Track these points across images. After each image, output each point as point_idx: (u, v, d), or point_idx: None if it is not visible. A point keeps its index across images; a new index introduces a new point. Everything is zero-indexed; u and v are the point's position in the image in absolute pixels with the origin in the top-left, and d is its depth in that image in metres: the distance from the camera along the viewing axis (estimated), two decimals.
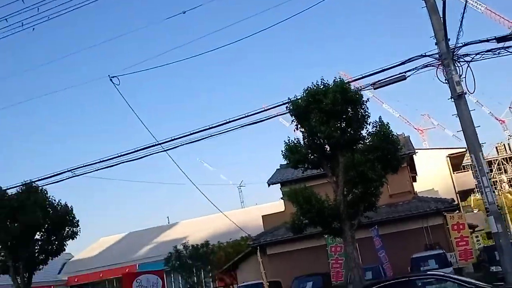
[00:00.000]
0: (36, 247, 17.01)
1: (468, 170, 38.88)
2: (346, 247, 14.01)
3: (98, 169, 17.13)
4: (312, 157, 14.18)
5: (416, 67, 14.18)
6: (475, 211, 42.92)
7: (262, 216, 27.89)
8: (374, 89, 14.84)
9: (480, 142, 11.75)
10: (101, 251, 45.46)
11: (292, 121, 14.45)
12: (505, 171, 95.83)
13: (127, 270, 40.71)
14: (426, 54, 13.89)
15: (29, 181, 17.28)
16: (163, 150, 17.12)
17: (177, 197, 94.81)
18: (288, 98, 14.05)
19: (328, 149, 14.45)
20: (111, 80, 16.02)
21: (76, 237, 17.46)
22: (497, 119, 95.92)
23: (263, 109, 15.36)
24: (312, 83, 14.10)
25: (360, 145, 14.51)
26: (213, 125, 15.20)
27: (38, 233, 17.06)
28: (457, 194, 35.20)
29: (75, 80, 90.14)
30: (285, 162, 28.42)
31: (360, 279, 13.63)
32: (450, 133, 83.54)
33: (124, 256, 42.81)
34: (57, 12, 14.91)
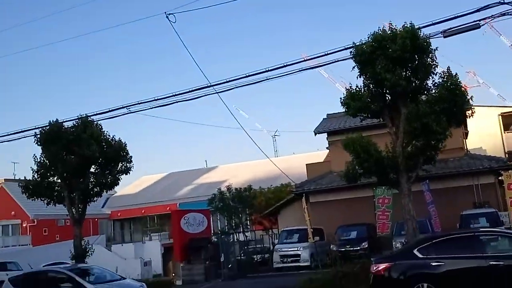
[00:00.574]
0: (91, 180, 17.47)
1: None
2: (402, 199, 13.77)
3: (152, 107, 17.27)
4: (373, 106, 13.69)
5: (492, 15, 13.33)
6: None
7: (306, 164, 27.85)
8: (444, 37, 14.08)
9: None
10: (143, 189, 46.83)
11: (353, 67, 13.94)
12: None
13: (168, 208, 42.07)
14: (505, 1, 12.99)
15: (85, 115, 17.56)
16: (215, 92, 17.05)
17: (216, 142, 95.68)
18: (353, 42, 13.49)
19: (389, 99, 13.98)
20: (167, 17, 15.76)
21: (129, 173, 17.85)
22: None
23: (302, 59, 15.01)
24: (379, 27, 13.47)
25: (423, 95, 13.96)
26: (251, 73, 14.98)
27: (93, 166, 17.46)
28: (506, 154, 34.10)
29: (131, 16, 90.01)
30: (332, 112, 28.21)
31: (414, 232, 13.45)
32: (494, 92, 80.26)
33: (165, 194, 44.04)
34: None
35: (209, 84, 16.53)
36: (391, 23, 13.29)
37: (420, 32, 13.05)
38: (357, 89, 14.00)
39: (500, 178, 21.17)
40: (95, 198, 17.80)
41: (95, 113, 17.59)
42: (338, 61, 14.81)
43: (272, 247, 30.81)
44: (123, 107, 17.07)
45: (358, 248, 19.03)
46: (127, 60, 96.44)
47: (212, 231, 27.07)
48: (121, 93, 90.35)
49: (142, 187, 47.17)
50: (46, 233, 39.12)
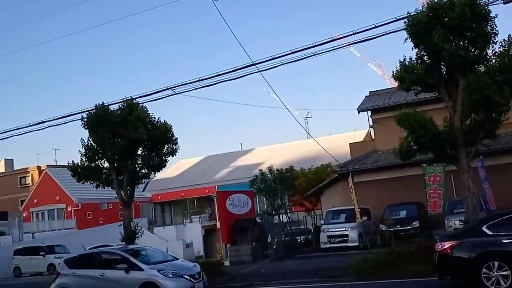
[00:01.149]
0: (138, 162, 17.50)
1: None
2: (461, 175, 13.20)
3: (197, 88, 17.07)
4: (429, 78, 13.07)
5: None
6: None
7: (350, 144, 27.32)
8: (504, 3, 13.35)
9: None
10: (181, 172, 47.20)
11: (406, 39, 13.33)
12: None
13: (207, 191, 42.37)
14: None
15: (130, 98, 17.52)
16: (258, 71, 16.72)
17: (250, 125, 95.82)
18: (408, 12, 12.86)
19: (445, 71, 13.34)
20: None
21: (175, 154, 17.78)
22: None
23: (333, 38, 14.49)
24: None
25: (482, 66, 13.24)
26: (277, 55, 14.54)
27: (140, 148, 17.47)
28: None
29: None
30: (374, 89, 27.45)
31: (474, 209, 12.89)
32: None
33: (203, 177, 44.27)
34: None
35: (252, 63, 16.23)
36: None
37: None
38: (411, 62, 13.40)
39: None
40: (143, 180, 17.87)
41: (140, 95, 17.52)
42: (370, 38, 14.29)
43: (313, 229, 30.67)
44: (167, 89, 16.95)
45: (409, 227, 18.54)
46: (165, 42, 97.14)
47: (257, 212, 26.98)
48: (164, 75, 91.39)
49: (180, 170, 47.54)
50: (90, 216, 40.05)
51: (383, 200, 21.81)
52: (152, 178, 45.33)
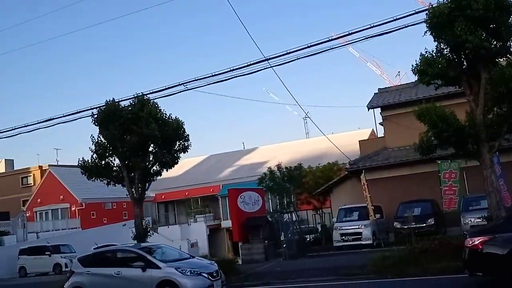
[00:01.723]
0: (150, 159, 17.19)
1: None
2: (483, 170, 12.92)
3: (210, 84, 16.80)
4: (451, 72, 12.81)
5: None
6: None
7: (359, 141, 27.17)
8: None
9: None
10: (185, 171, 46.89)
11: (426, 32, 13.08)
12: None
13: (211, 190, 42.14)
14: None
15: (141, 94, 17.22)
16: (270, 66, 16.45)
17: (252, 124, 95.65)
18: (430, 3, 12.62)
19: (466, 64, 13.10)
20: None
21: (187, 151, 17.48)
22: None
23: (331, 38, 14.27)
24: None
25: (503, 58, 13.01)
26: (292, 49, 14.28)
27: (151, 145, 17.16)
28: None
29: None
30: (383, 86, 27.18)
31: (497, 205, 12.63)
32: None
33: (207, 176, 44.04)
34: None
35: (264, 58, 15.96)
36: None
37: None
38: (432, 55, 13.13)
39: None
40: (154, 177, 17.57)
41: (151, 91, 17.24)
42: (370, 37, 14.07)
43: (321, 227, 30.40)
44: (179, 84, 16.71)
45: (424, 224, 18.26)
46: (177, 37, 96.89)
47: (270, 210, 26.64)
48: (173, 71, 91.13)
49: (184, 169, 47.23)
50: (94, 216, 39.72)
51: (394, 198, 21.56)
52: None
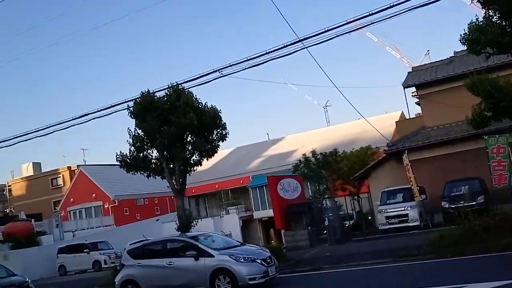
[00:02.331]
0: (189, 149, 16.94)
1: None
2: None
3: (245, 68, 16.36)
4: (505, 38, 12.17)
5: None
6: None
7: (396, 122, 26.54)
8: None
9: None
10: (213, 164, 46.62)
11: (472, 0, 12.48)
12: None
13: (241, 182, 41.85)
14: None
15: (175, 84, 16.94)
16: (303, 47, 15.99)
17: (276, 115, 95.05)
18: None
19: None
20: None
21: (225, 139, 17.19)
22: None
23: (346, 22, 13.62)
24: None
25: None
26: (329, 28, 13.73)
27: (190, 135, 16.90)
28: None
29: None
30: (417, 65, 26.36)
31: None
32: None
33: (236, 168, 43.75)
34: None
35: (298, 39, 15.48)
36: None
37: None
38: (482, 23, 12.50)
39: None
40: (194, 168, 17.32)
41: (185, 80, 16.91)
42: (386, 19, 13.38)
43: (356, 213, 29.89)
44: (214, 71, 16.35)
45: (474, 203, 17.58)
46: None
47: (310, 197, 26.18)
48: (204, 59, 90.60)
49: (212, 162, 46.83)
50: (127, 213, 39.88)
51: (436, 178, 20.93)
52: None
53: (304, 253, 16.83)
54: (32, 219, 34.03)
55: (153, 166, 17.51)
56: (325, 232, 20.34)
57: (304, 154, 26.24)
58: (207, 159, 17.32)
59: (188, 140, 17.06)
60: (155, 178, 17.76)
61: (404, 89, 23.97)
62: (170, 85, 16.94)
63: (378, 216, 19.88)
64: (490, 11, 12.58)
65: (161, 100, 16.75)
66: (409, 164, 19.81)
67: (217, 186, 42.22)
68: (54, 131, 18.97)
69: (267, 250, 12.67)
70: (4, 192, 61.59)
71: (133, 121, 17.34)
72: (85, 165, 46.86)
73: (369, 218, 28.25)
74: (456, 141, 21.09)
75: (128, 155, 17.39)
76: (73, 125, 18.55)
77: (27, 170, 54.94)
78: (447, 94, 22.60)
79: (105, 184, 39.65)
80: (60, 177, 52.56)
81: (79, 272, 27.99)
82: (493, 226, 12.42)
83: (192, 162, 17.08)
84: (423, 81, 23.18)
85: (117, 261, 26.00)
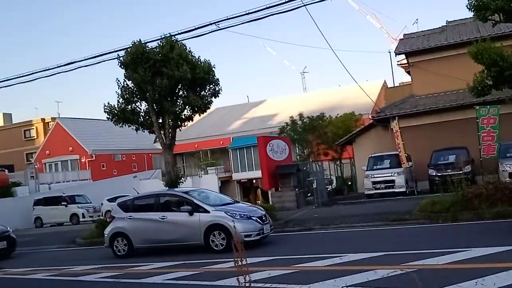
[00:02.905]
0: (180, 103, 16.44)
1: None
2: None
3: (243, 22, 15.82)
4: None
5: None
6: None
7: (385, 89, 26.44)
8: None
9: None
10: (192, 124, 46.04)
11: None
12: None
13: (221, 143, 41.58)
14: None
15: (169, 35, 16.27)
16: (303, 5, 15.52)
17: (252, 76, 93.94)
18: None
19: None
20: None
21: (218, 96, 16.71)
22: None
23: None
24: None
25: None
26: None
27: (182, 88, 16.37)
28: None
29: None
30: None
31: None
32: None
33: (216, 129, 43.39)
34: None
35: None
36: None
37: None
38: None
39: None
40: (185, 123, 16.89)
41: (179, 32, 16.26)
42: None
43: (337, 178, 30.13)
44: (211, 23, 15.75)
45: (461, 172, 17.76)
46: None
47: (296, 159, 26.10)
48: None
49: (190, 122, 46.45)
50: (104, 168, 39.25)
51: (423, 146, 21.12)
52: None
53: (292, 213, 16.85)
54: (6, 170, 33.11)
55: (142, 119, 17.00)
56: (309, 194, 20.41)
57: (291, 117, 26.00)
58: (199, 115, 16.87)
59: (180, 94, 16.53)
60: (144, 131, 17.28)
61: (395, 55, 23.86)
62: (163, 36, 16.28)
63: (365, 181, 19.99)
64: None
65: (153, 51, 16.09)
66: (399, 130, 19.84)
67: (196, 146, 41.84)
68: (34, 79, 18.21)
69: (262, 208, 12.55)
70: None
71: (121, 72, 16.72)
72: (62, 117, 45.64)
73: (349, 183, 28.54)
74: (445, 111, 21.21)
75: (116, 106, 16.79)
76: (57, 73, 17.91)
77: None
78: (438, 63, 22.58)
79: (83, 137, 38.74)
80: (33, 129, 51.19)
81: (56, 224, 27.58)
82: (486, 194, 12.55)
83: (183, 117, 16.61)
84: (416, 49, 23.03)
85: (95, 215, 25.75)
